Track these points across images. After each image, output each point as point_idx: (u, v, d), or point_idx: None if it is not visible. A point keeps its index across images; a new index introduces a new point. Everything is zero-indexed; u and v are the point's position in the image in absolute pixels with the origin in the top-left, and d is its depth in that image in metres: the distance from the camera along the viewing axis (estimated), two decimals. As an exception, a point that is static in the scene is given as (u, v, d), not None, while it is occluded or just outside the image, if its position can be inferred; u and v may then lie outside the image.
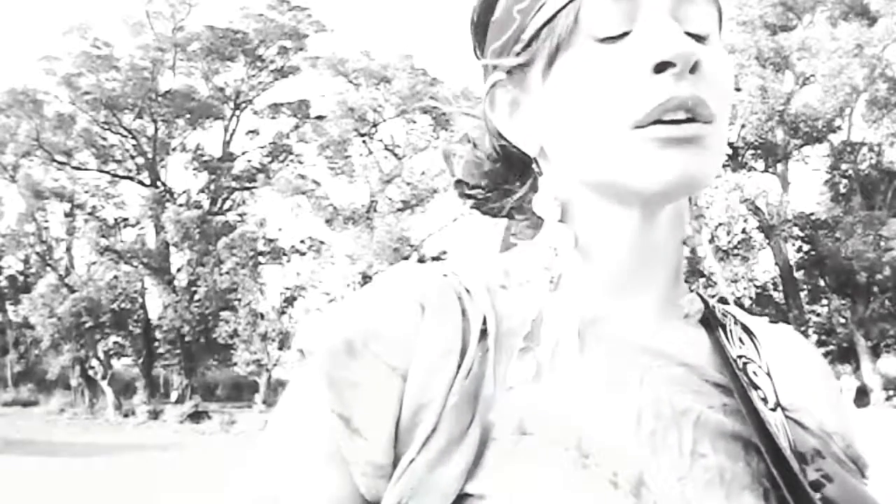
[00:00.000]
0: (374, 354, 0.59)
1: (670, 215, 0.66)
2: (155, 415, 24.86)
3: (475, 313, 0.61)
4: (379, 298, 0.63)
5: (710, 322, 0.69)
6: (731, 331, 0.69)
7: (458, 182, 0.75)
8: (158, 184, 29.18)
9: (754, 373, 0.66)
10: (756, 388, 0.64)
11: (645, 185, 0.61)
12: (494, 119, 0.70)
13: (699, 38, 0.62)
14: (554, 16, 0.62)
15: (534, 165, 0.69)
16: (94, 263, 28.31)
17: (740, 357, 0.66)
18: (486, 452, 0.57)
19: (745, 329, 0.71)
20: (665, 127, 0.59)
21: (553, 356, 0.61)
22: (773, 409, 0.64)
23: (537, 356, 0.61)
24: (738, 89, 22.06)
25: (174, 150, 29.95)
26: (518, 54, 0.66)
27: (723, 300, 0.73)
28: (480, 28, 0.70)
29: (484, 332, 0.61)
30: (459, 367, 0.59)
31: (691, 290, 0.70)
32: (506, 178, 0.73)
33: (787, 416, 0.65)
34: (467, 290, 0.63)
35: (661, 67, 0.59)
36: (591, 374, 0.61)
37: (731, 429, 0.62)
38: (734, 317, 0.71)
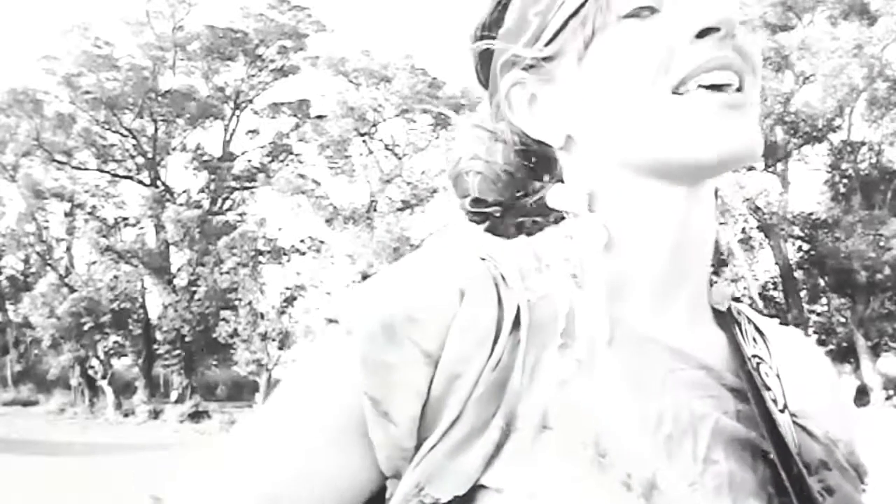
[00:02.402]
0: (411, 340, 0.59)
1: (709, 203, 0.65)
2: (155, 414, 24.85)
3: (510, 303, 0.60)
4: (419, 281, 0.61)
5: (725, 320, 0.69)
6: (745, 330, 0.69)
7: (476, 201, 0.72)
8: (158, 183, 29.17)
9: (766, 373, 0.66)
10: (768, 388, 0.64)
11: (699, 154, 0.61)
12: (514, 118, 0.70)
13: None
14: (582, 5, 0.63)
15: (559, 158, 0.69)
16: (94, 263, 28.29)
17: (754, 356, 0.66)
18: (506, 444, 0.56)
19: (757, 329, 0.71)
20: (713, 93, 0.60)
21: (589, 352, 0.60)
22: (782, 411, 0.64)
23: (575, 352, 0.60)
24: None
25: (174, 149, 29.93)
26: (541, 50, 0.67)
27: (735, 299, 0.73)
28: (486, 42, 0.71)
29: (517, 323, 0.60)
30: (490, 357, 0.58)
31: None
32: (525, 187, 0.72)
33: (794, 423, 0.65)
34: (503, 277, 0.62)
35: (703, 33, 0.60)
36: (616, 372, 0.61)
37: (744, 435, 0.62)
38: (747, 316, 0.71)
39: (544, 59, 0.67)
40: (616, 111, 0.63)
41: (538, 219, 0.72)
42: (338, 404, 0.60)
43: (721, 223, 0.69)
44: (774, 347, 0.70)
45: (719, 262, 0.69)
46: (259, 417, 0.62)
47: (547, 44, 0.66)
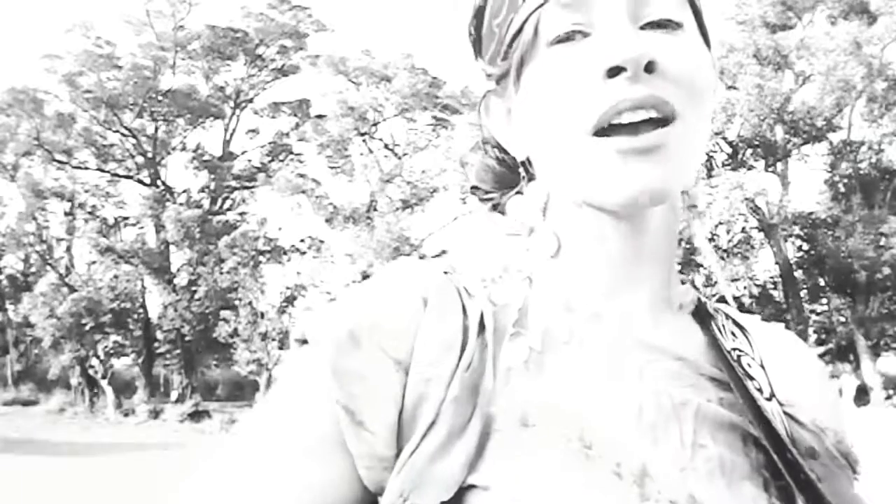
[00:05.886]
0: (377, 347, 0.59)
1: (659, 213, 0.65)
2: (155, 414, 24.84)
3: (474, 310, 0.62)
4: (382, 292, 0.63)
5: (702, 316, 0.70)
6: (722, 325, 0.70)
7: (474, 188, 0.77)
8: (158, 183, 29.15)
9: (748, 364, 0.67)
10: (751, 378, 0.65)
11: (608, 199, 0.61)
12: (489, 125, 0.72)
13: (666, 25, 0.61)
14: (520, 28, 0.64)
15: (523, 170, 0.71)
16: (94, 263, 28.26)
17: (734, 349, 0.67)
18: (488, 444, 0.57)
19: (737, 324, 0.72)
20: (626, 138, 0.59)
21: (543, 342, 0.61)
22: (769, 399, 0.65)
23: (528, 341, 0.61)
24: (736, 88, 22.06)
25: (174, 149, 29.91)
26: (499, 65, 0.68)
27: (721, 299, 0.74)
28: (477, 41, 0.72)
29: (483, 328, 0.61)
30: (459, 361, 0.59)
31: (684, 283, 0.71)
32: (514, 182, 0.74)
33: (783, 412, 0.66)
34: (466, 289, 0.63)
35: (613, 72, 0.59)
36: (592, 367, 0.62)
37: (729, 420, 0.62)
38: (725, 313, 0.72)
39: (500, 75, 0.68)
40: (541, 144, 0.65)
41: None
42: (314, 417, 0.59)
43: (693, 218, 0.69)
44: (757, 342, 0.71)
45: (687, 260, 0.69)
46: (239, 438, 0.61)
47: (502, 59, 0.67)
